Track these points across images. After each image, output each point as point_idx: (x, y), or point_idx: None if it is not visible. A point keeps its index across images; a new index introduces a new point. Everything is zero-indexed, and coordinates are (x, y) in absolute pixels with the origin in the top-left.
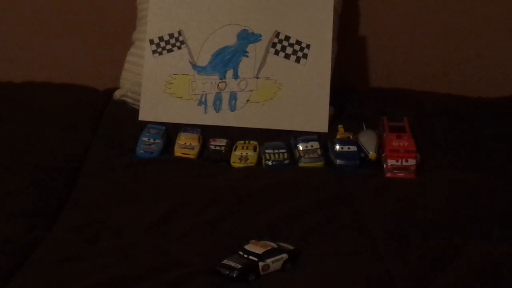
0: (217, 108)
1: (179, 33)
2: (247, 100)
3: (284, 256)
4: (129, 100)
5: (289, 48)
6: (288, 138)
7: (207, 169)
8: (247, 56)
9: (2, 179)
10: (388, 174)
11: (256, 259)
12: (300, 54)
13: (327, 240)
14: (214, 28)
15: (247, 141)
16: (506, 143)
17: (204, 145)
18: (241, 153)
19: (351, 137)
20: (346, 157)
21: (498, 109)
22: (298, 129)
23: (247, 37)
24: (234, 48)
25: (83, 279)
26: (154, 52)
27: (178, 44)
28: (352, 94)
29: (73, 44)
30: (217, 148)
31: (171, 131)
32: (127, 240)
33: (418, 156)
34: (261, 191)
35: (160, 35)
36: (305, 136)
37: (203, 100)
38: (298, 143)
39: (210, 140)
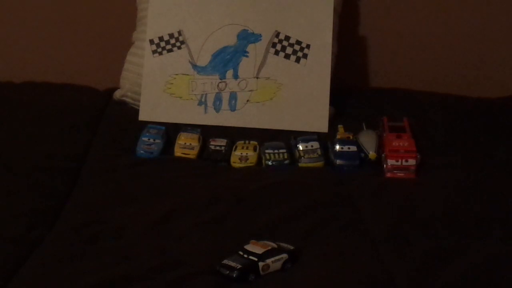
0: (217, 108)
1: (179, 33)
2: (247, 100)
3: (284, 256)
4: (129, 100)
5: (289, 48)
6: (288, 138)
7: (207, 169)
8: (247, 56)
9: (2, 179)
10: (388, 174)
11: (256, 259)
12: (300, 54)
13: (327, 240)
14: (214, 28)
15: (247, 141)
16: (506, 143)
17: (204, 145)
18: (241, 153)
19: (351, 137)
20: (346, 157)
21: (498, 109)
22: (298, 129)
23: (247, 37)
24: (234, 48)
25: (83, 279)
26: (154, 52)
27: (178, 44)
28: (352, 94)
29: (73, 44)
30: (217, 148)
31: (171, 131)
32: (127, 240)
33: (418, 156)
34: (261, 191)
35: (160, 35)
36: (305, 136)
37: (203, 100)
38: (298, 143)
39: (210, 140)
